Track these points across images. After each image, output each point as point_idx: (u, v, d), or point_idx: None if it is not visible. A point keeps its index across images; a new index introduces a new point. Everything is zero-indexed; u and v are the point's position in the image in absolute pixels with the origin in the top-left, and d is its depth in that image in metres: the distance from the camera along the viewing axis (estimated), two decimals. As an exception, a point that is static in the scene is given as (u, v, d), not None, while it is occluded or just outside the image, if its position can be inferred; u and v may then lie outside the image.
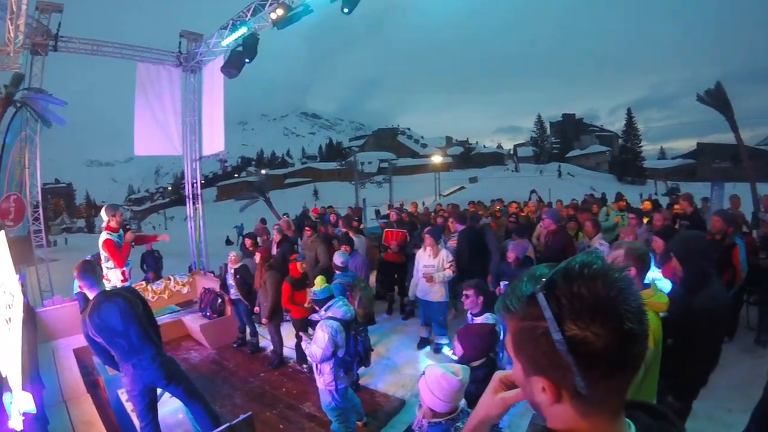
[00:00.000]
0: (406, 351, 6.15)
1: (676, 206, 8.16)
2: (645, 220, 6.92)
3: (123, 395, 4.41)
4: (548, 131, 77.04)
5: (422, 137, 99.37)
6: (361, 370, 5.10)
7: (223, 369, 6.04)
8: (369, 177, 72.28)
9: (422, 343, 6.21)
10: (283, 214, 14.15)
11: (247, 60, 8.37)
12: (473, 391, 2.80)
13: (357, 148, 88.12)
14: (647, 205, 8.84)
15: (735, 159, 37.64)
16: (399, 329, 6.96)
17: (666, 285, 3.51)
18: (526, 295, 0.70)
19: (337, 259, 5.44)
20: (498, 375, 0.93)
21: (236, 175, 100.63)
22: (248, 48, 8.30)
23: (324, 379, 3.82)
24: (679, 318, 2.94)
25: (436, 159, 57.12)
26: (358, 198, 30.75)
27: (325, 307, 3.89)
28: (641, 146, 61.19)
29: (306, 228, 8.08)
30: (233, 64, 8.48)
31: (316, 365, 3.83)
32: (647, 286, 2.42)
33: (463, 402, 2.42)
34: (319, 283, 4.04)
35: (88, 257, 5.43)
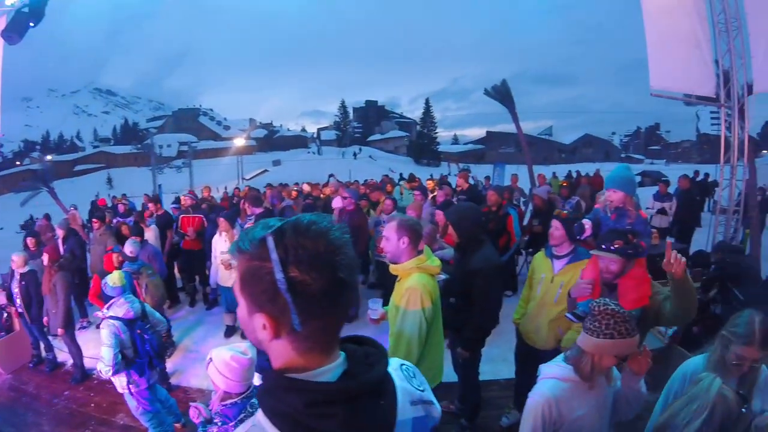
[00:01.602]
0: (213, 341, 5.89)
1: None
2: (430, 197, 7.64)
3: None
4: (351, 116, 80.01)
5: (225, 119, 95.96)
6: (170, 368, 4.97)
7: (23, 394, 5.20)
8: (168, 161, 67.50)
9: (229, 331, 6.04)
10: (71, 206, 12.68)
11: (31, 23, 6.92)
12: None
13: (155, 130, 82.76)
14: (430, 184, 9.71)
15: (518, 145, 43.49)
16: (204, 320, 6.72)
17: (450, 251, 3.92)
18: (258, 238, 0.78)
19: (127, 248, 5.10)
20: None
21: (18, 163, 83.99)
22: (35, 9, 6.83)
23: (119, 383, 3.57)
24: (458, 279, 3.30)
25: (239, 142, 55.61)
26: (155, 184, 28.40)
27: (107, 305, 3.59)
28: (437, 133, 68.16)
29: (94, 220, 7.23)
30: (15, 28, 6.88)
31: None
32: (421, 252, 2.66)
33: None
34: (115, 279, 3.64)
35: None
